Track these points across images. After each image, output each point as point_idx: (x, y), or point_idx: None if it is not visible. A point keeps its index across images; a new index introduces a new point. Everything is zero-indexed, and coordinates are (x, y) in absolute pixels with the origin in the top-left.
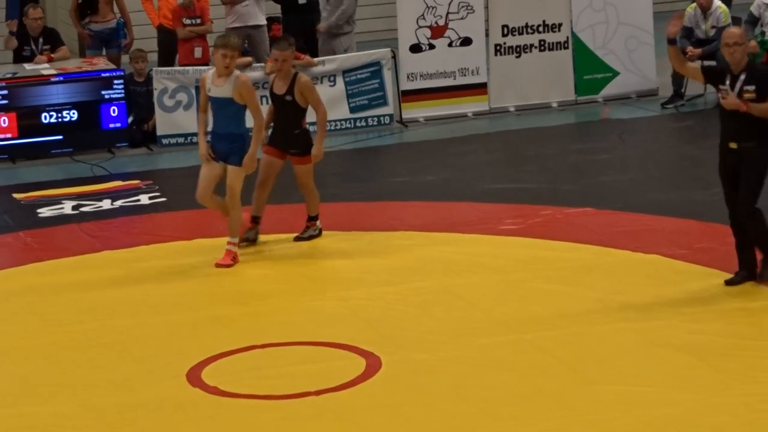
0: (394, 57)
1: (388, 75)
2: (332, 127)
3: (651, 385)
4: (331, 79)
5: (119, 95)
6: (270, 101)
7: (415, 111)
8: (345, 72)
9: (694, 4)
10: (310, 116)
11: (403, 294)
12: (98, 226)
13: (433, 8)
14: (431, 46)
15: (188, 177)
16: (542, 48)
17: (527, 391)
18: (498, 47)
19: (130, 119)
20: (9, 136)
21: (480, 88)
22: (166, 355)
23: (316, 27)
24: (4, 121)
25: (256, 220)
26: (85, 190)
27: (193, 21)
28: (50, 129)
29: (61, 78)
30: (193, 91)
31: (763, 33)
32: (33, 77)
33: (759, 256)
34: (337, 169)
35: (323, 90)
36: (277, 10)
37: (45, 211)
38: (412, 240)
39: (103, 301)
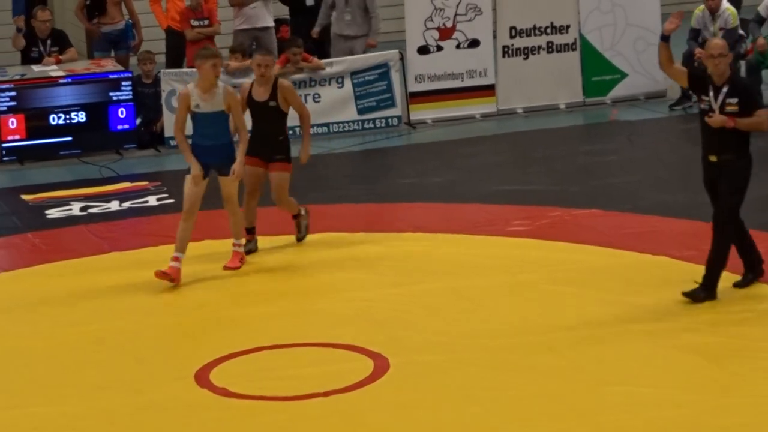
0: (402, 59)
1: (395, 77)
2: (340, 129)
3: (660, 387)
4: (339, 80)
5: (127, 97)
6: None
7: (422, 113)
8: (353, 74)
9: (702, 6)
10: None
11: (410, 295)
12: (106, 228)
13: (440, 10)
14: (439, 48)
15: None
16: (550, 50)
17: (536, 393)
18: (506, 49)
19: (138, 121)
20: (17, 137)
21: (488, 90)
22: (174, 356)
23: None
24: (12, 122)
25: (251, 231)
26: (94, 191)
27: (201, 23)
28: (58, 130)
29: (70, 80)
30: None
31: None
32: (41, 79)
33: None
34: (344, 170)
35: (331, 92)
36: (285, 11)
37: (53, 213)
38: (419, 241)
39: (110, 303)
